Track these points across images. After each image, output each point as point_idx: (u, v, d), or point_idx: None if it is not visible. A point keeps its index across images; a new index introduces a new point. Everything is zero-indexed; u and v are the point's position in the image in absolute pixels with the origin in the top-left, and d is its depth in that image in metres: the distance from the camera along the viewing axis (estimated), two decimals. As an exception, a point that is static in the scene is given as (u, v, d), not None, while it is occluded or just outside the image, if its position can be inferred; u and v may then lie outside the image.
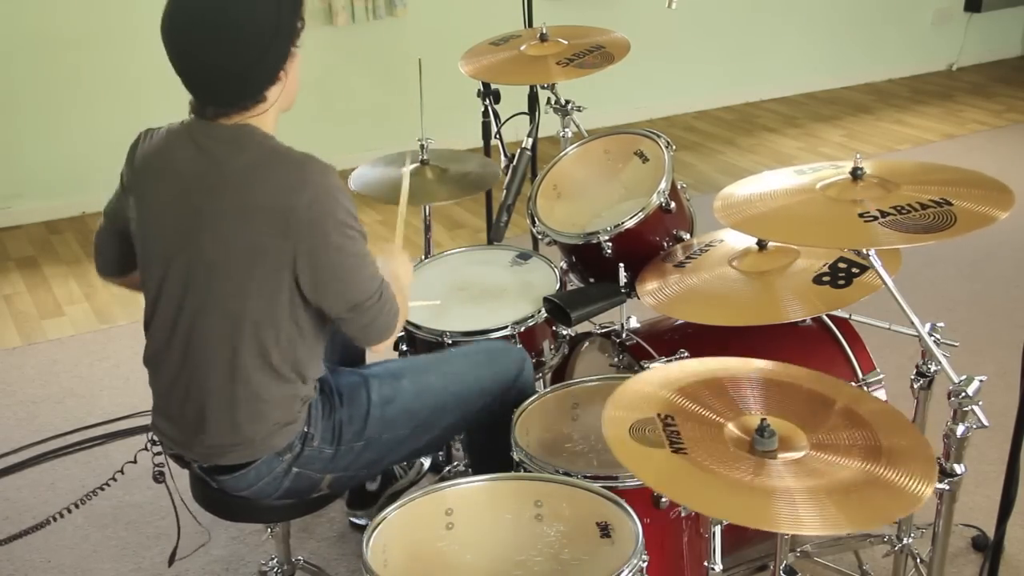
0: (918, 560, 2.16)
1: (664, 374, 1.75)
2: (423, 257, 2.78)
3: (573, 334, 2.48)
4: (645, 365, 2.19)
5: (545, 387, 2.38)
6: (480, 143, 3.19)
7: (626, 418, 1.60)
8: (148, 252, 1.91)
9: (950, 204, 1.73)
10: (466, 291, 2.56)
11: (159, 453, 2.04)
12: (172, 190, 1.85)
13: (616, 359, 2.30)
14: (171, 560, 2.28)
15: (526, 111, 3.21)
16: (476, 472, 2.11)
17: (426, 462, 2.73)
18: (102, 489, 2.66)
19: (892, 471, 1.49)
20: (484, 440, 2.18)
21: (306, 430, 1.94)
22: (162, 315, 1.89)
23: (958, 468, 1.76)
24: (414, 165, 2.44)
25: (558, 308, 2.28)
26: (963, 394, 1.68)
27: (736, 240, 2.24)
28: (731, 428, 1.59)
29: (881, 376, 2.29)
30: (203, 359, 1.87)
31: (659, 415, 1.60)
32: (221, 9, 1.76)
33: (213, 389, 1.88)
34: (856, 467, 1.51)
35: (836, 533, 1.46)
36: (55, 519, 2.64)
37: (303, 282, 1.81)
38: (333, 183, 1.81)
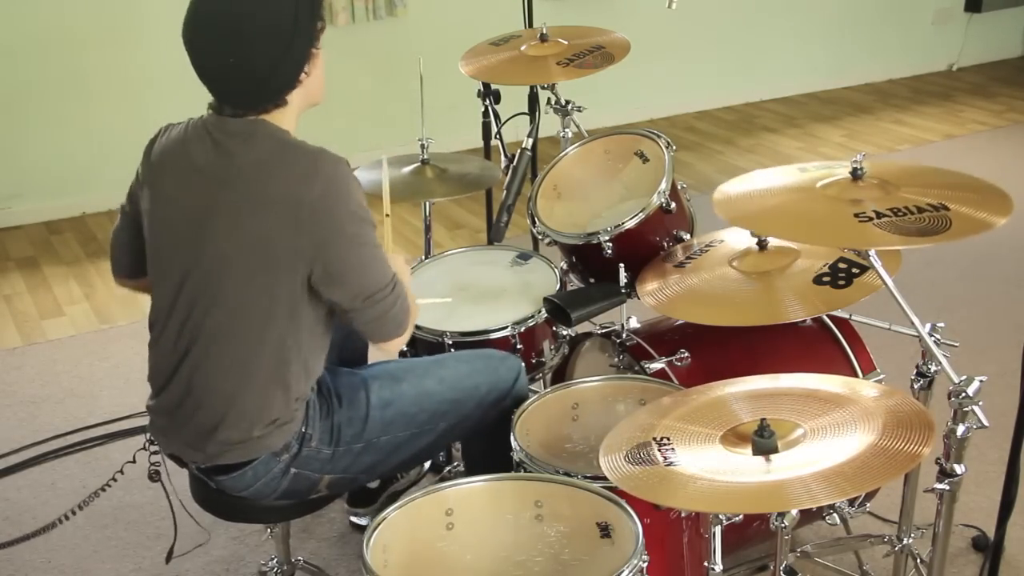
0: (918, 560, 2.16)
1: (656, 407, 1.78)
2: (423, 257, 2.78)
3: (573, 334, 2.47)
4: (645, 365, 2.19)
5: (545, 387, 2.38)
6: (480, 143, 3.18)
7: (622, 449, 1.63)
8: (158, 246, 1.91)
9: (947, 209, 1.73)
10: (466, 291, 2.56)
11: (156, 452, 2.04)
12: (186, 182, 1.86)
13: (616, 359, 2.30)
14: (168, 557, 2.28)
15: (526, 111, 3.21)
16: (473, 476, 2.11)
17: (426, 462, 2.73)
18: (103, 491, 2.66)
19: (890, 437, 1.51)
20: (480, 447, 2.18)
21: (304, 430, 1.94)
22: (171, 308, 1.88)
23: (958, 468, 1.76)
24: (391, 164, 2.44)
25: (558, 308, 2.28)
26: (963, 394, 1.68)
27: (736, 240, 2.24)
28: (728, 437, 1.59)
29: (882, 376, 2.29)
30: (209, 355, 1.87)
31: (654, 438, 1.62)
32: (241, 14, 1.77)
33: (217, 386, 1.88)
34: (854, 441, 1.52)
35: (844, 498, 1.48)
36: (60, 522, 2.63)
37: (316, 274, 1.81)
38: (344, 173, 1.82)
